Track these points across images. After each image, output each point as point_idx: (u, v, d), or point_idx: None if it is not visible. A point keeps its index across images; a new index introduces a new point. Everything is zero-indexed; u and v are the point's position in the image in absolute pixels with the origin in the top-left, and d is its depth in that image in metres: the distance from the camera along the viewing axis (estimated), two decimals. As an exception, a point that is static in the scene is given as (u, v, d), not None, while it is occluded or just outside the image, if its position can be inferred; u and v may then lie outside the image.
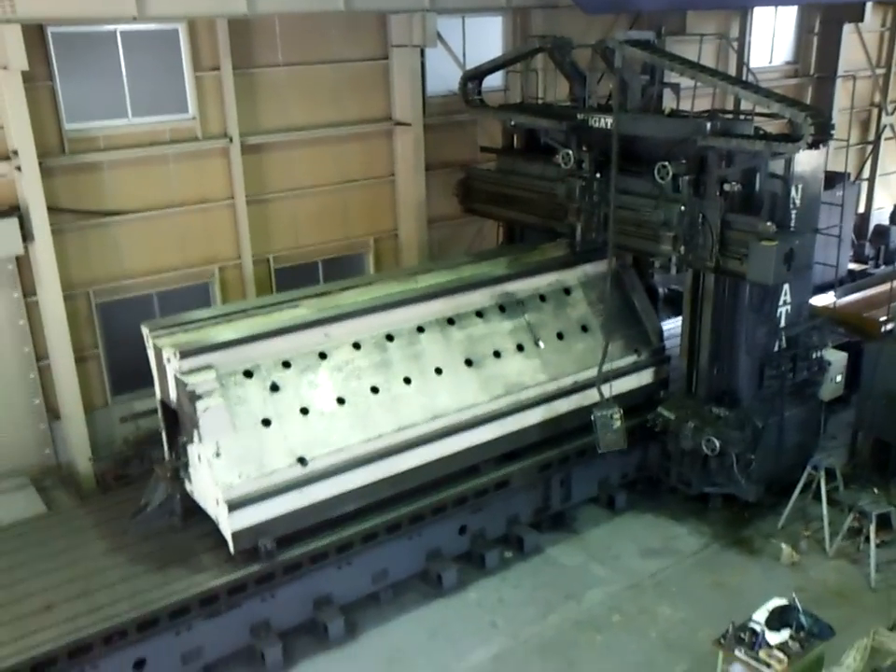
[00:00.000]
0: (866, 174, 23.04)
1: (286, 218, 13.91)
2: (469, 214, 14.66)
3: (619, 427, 10.90)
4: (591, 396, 11.26)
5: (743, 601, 9.76)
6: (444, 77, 14.83)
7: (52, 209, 11.41)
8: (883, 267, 20.31)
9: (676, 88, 11.80)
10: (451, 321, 11.05)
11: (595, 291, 12.16)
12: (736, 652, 8.22)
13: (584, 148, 11.73)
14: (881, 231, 21.08)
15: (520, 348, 11.33)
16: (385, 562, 10.26)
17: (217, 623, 9.14)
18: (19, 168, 11.01)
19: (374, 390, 10.17)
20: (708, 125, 10.44)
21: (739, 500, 11.76)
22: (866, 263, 20.42)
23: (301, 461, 9.42)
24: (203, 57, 12.59)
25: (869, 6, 19.04)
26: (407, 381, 10.40)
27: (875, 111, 22.61)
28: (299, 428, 9.60)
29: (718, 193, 10.48)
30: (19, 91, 10.68)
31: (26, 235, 11.16)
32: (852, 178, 20.94)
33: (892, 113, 22.71)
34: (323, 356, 10.07)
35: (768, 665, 8.02)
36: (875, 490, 11.39)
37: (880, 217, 22.46)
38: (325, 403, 9.85)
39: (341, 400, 9.93)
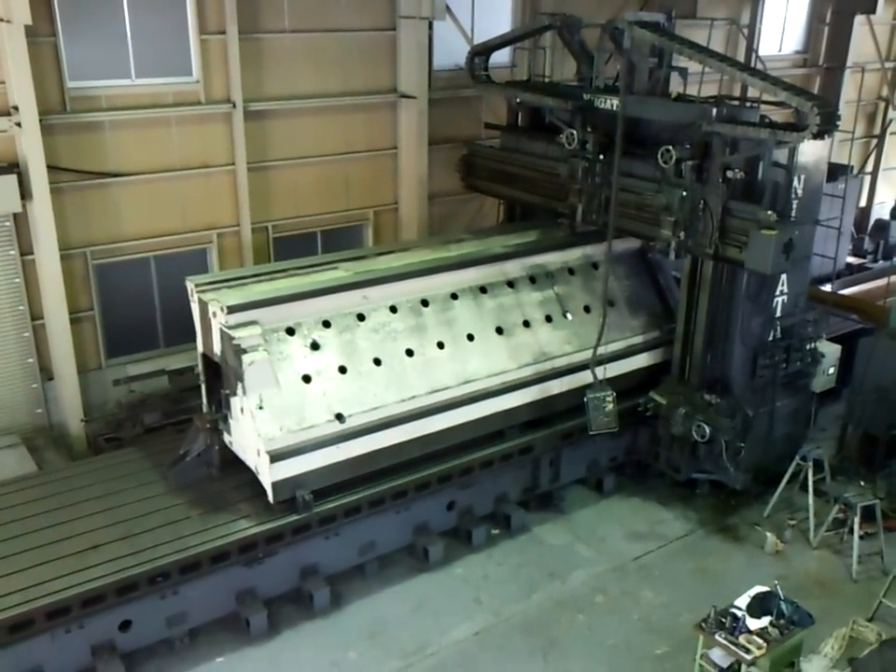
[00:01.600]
0: (869, 167, 23.00)
1: (286, 187, 13.84)
2: (471, 191, 14.61)
3: (611, 410, 10.94)
4: (614, 368, 11.43)
5: (726, 587, 9.87)
6: (451, 50, 14.72)
7: (52, 168, 11.36)
8: (881, 262, 20.32)
9: (683, 72, 11.70)
10: (483, 290, 11.35)
11: (623, 267, 12.37)
12: (717, 636, 8.30)
13: (589, 129, 11.66)
14: (881, 226, 21.05)
15: (548, 319, 11.64)
16: (372, 534, 10.31)
17: (202, 588, 9.18)
18: (19, 124, 10.93)
19: (409, 353, 10.51)
20: (714, 111, 10.38)
21: (726, 488, 11.84)
22: (865, 257, 20.40)
23: (339, 417, 9.74)
24: (209, 20, 12.46)
25: (882, -2, 18.91)
26: (440, 345, 10.75)
27: (882, 105, 22.52)
28: (337, 386, 9.91)
29: (720, 180, 10.44)
30: (21, 46, 10.60)
31: (24, 193, 11.11)
32: (855, 171, 20.88)
33: (899, 107, 22.62)
34: (361, 317, 10.41)
35: (747, 651, 8.11)
36: (862, 483, 11.50)
37: (881, 211, 22.43)
38: (362, 363, 10.17)
39: (377, 361, 10.26)
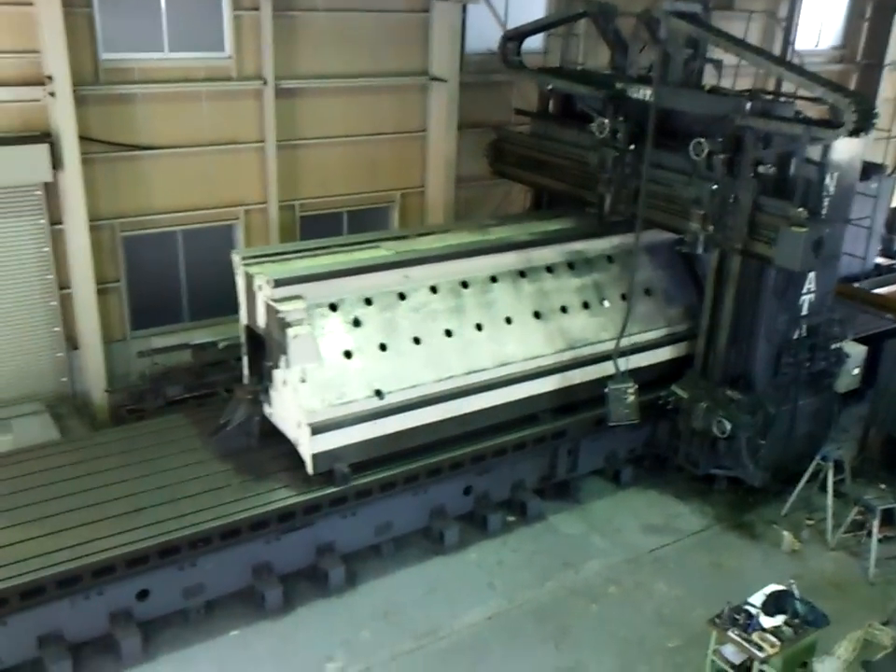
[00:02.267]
0: (903, 167, 22.70)
1: (314, 166, 13.83)
2: (499, 176, 14.55)
3: (632, 402, 10.91)
4: (648, 357, 11.70)
5: (740, 584, 9.83)
6: (484, 35, 14.60)
7: (83, 138, 11.40)
8: (910, 264, 20.08)
9: (718, 64, 11.60)
10: (522, 274, 11.44)
11: (661, 257, 12.37)
12: (730, 633, 8.30)
13: (620, 118, 11.54)
14: (912, 227, 20.79)
15: (586, 306, 11.73)
16: (389, 515, 10.37)
17: (220, 561, 9.27)
18: (52, 94, 10.97)
19: (448, 333, 10.63)
20: (748, 105, 10.27)
21: (745, 485, 11.78)
22: (895, 259, 20.19)
23: (378, 393, 9.87)
24: (244, -4, 12.46)
25: (924, -5, 18.62)
26: (478, 327, 10.86)
27: (919, 104, 22.19)
28: (377, 363, 10.08)
29: (752, 175, 10.33)
30: (57, 16, 10.63)
31: (56, 163, 11.15)
32: (889, 171, 20.63)
33: (936, 107, 22.28)
34: (402, 296, 10.52)
35: (760, 648, 8.11)
36: (882, 486, 11.37)
37: (913, 212, 22.13)
38: (402, 341, 10.30)
39: (416, 340, 10.40)
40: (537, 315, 11.32)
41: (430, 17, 14.18)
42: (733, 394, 11.11)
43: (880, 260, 19.25)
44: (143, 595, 8.98)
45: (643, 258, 12.22)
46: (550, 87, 13.26)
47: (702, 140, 10.53)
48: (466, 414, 10.53)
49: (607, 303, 11.84)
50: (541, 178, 13.50)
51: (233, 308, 13.72)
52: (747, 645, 8.19)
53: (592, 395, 11.34)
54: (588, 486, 12.17)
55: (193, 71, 12.41)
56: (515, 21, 14.13)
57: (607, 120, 11.64)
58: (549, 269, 11.67)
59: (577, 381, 11.35)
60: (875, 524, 10.58)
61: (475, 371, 10.59)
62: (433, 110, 14.61)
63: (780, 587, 8.63)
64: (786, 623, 8.37)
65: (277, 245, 11.17)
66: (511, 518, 11.38)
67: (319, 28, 13.26)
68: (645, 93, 11.16)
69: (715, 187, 10.44)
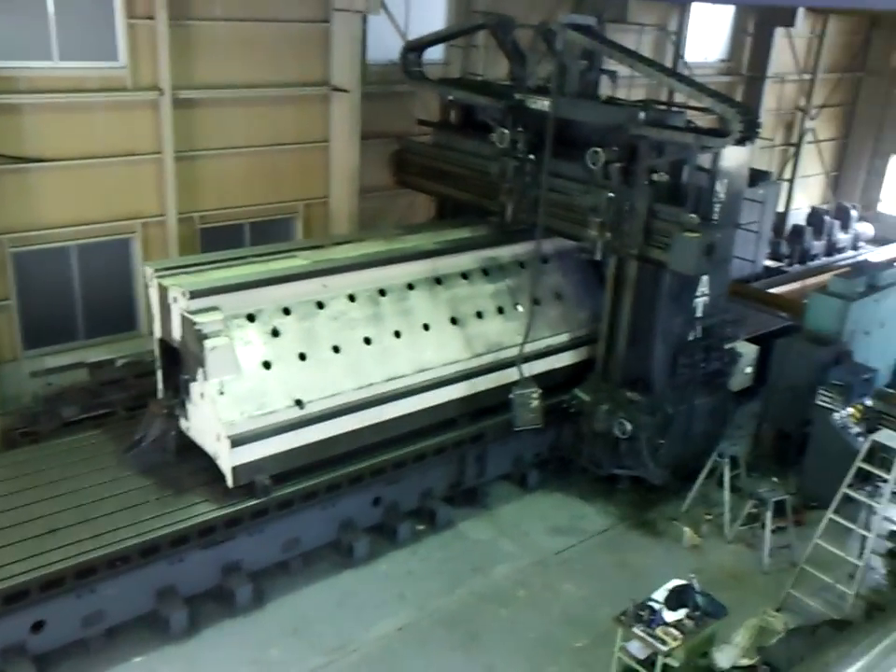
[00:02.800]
0: (787, 174, 23.81)
1: (214, 177, 13.60)
2: (402, 186, 14.60)
3: (536, 406, 11.10)
4: (558, 360, 12.09)
5: (644, 581, 10.07)
6: (385, 45, 14.63)
7: (-34, 151, 10.96)
8: (797, 266, 21.09)
9: (613, 75, 11.95)
10: (438, 281, 11.61)
11: (571, 262, 12.62)
12: (635, 629, 8.51)
13: (520, 129, 11.75)
14: (798, 231, 21.86)
15: (500, 311, 11.95)
16: (297, 530, 10.25)
17: (121, 585, 8.98)
18: (-69, 104, 10.52)
19: (367, 341, 10.70)
20: (642, 114, 10.59)
21: (646, 483, 12.10)
22: (782, 261, 21.16)
23: (299, 403, 9.85)
24: (138, 4, 12.13)
25: (801, 12, 19.57)
26: (397, 334, 10.95)
27: (800, 115, 23.34)
28: (297, 373, 10.04)
29: (646, 182, 10.67)
30: (-66, 23, 10.19)
31: (-63, 176, 10.70)
32: (774, 178, 21.61)
33: (815, 118, 23.48)
34: (321, 305, 10.53)
35: (663, 642, 8.34)
36: (775, 479, 11.88)
37: (798, 217, 23.26)
38: (321, 350, 10.30)
39: (336, 349, 10.42)
40: (453, 320, 11.49)
41: (331, 27, 14.16)
42: (633, 395, 11.43)
43: (769, 263, 20.17)
44: (38, 626, 8.59)
45: (555, 263, 12.57)
46: (451, 97, 13.39)
47: (598, 149, 10.82)
48: (386, 421, 10.60)
49: (520, 308, 12.07)
50: (444, 188, 13.62)
51: (132, 324, 13.51)
52: (651, 640, 8.41)
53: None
54: (496, 491, 12.30)
55: (86, 81, 12.05)
56: (416, 32, 14.23)
57: (507, 131, 11.83)
58: (464, 275, 11.87)
59: (494, 384, 11.50)
60: (769, 516, 11.03)
61: (395, 378, 10.68)
62: (335, 120, 14.56)
63: (682, 582, 8.89)
64: (687, 616, 8.62)
65: (191, 257, 11.12)
66: (420, 527, 11.40)
67: (218, 37, 13.07)
68: (543, 104, 11.39)
69: (611, 195, 10.73)
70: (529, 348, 11.53)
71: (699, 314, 11.52)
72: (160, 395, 10.62)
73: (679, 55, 19.56)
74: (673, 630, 8.45)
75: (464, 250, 11.98)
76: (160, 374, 10.60)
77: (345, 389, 10.26)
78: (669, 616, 8.59)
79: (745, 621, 9.64)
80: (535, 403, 11.09)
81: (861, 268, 14.93)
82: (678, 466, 12.00)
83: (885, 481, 9.81)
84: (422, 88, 14.32)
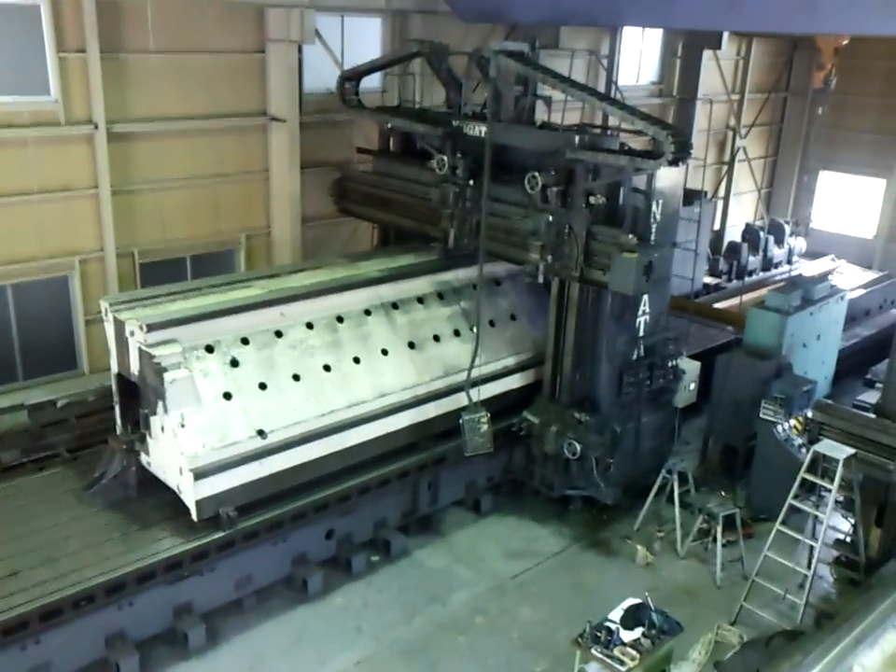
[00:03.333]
0: (721, 192, 24.42)
1: (153, 211, 13.45)
2: (344, 214, 14.62)
3: (486, 431, 11.12)
4: (515, 381, 12.20)
5: (600, 601, 10.12)
6: (322, 74, 14.70)
7: None
8: (735, 281, 21.57)
9: (548, 100, 12.13)
10: (395, 306, 11.72)
11: (522, 282, 12.61)
12: (593, 651, 8.52)
13: (459, 155, 11.87)
14: (734, 248, 22.37)
15: (457, 333, 12.04)
16: (249, 567, 10.06)
17: (68, 634, 8.70)
18: None
19: (327, 368, 10.70)
20: (577, 138, 10.76)
21: (598, 503, 12.18)
22: (720, 277, 21.62)
23: (261, 433, 9.81)
24: (68, 37, 12.02)
25: (726, 35, 20.15)
26: (356, 360, 11.00)
27: (731, 134, 23.99)
28: (258, 402, 10.00)
29: (584, 205, 10.82)
30: None
31: None
32: (709, 196, 22.13)
33: (745, 137, 24.16)
34: (279, 334, 10.52)
35: (622, 662, 8.35)
36: (723, 493, 12.06)
37: (734, 233, 23.82)
38: (281, 379, 10.28)
39: (296, 377, 10.40)
40: (411, 345, 11.56)
41: (266, 57, 14.15)
42: (580, 416, 11.51)
43: (708, 280, 20.59)
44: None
45: (507, 285, 12.71)
46: (389, 125, 13.46)
47: (536, 174, 10.96)
48: (349, 448, 10.59)
49: (475, 330, 12.10)
50: (386, 215, 13.65)
51: (72, 363, 13.20)
52: (609, 661, 8.40)
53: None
54: (450, 518, 12.26)
55: (16, 115, 11.85)
56: (352, 61, 14.30)
57: (446, 157, 11.94)
58: (420, 300, 11.98)
59: (453, 407, 11.51)
60: (719, 530, 11.18)
61: (356, 404, 10.70)
62: (274, 150, 14.53)
63: (637, 601, 8.94)
64: (644, 634, 8.66)
65: (146, 290, 11.12)
66: (375, 558, 11.29)
67: (152, 70, 12.98)
68: (480, 130, 11.52)
69: (550, 218, 10.87)
70: (487, 370, 11.70)
71: (641, 332, 11.68)
72: (118, 430, 10.48)
73: (611, 79, 19.97)
74: (630, 650, 8.47)
75: (418, 275, 12.14)
76: (117, 409, 10.46)
77: (307, 417, 10.24)
78: (626, 636, 8.62)
79: (700, 636, 9.74)
80: (484, 428, 11.11)
81: (796, 282, 15.35)
82: (628, 484, 12.11)
83: (828, 490, 10.02)
84: (360, 116, 14.39)
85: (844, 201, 25.56)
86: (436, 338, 11.86)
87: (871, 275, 21.64)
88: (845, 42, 21.22)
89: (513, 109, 11.71)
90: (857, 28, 12.18)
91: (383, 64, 14.15)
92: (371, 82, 14.80)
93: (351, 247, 15.51)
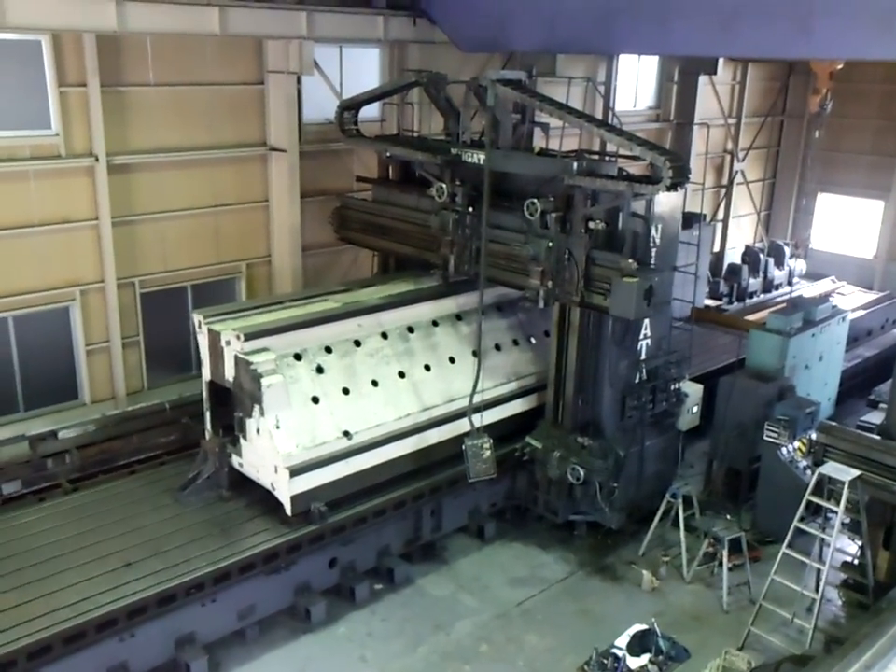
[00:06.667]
0: (720, 215, 24.50)
1: (154, 241, 13.50)
2: (344, 242, 14.68)
3: (489, 457, 11.08)
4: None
5: (606, 627, 10.05)
6: (321, 104, 14.82)
7: None
8: (736, 303, 21.58)
9: (545, 127, 12.22)
10: (458, 317, 12.51)
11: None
12: (599, 678, 8.45)
13: (458, 182, 11.95)
14: (734, 270, 22.39)
15: (515, 343, 12.81)
16: (251, 597, 9.98)
17: (67, 667, 8.60)
18: None
19: (401, 375, 11.53)
20: (575, 165, 10.80)
21: (603, 528, 12.12)
22: (721, 300, 21.63)
23: (347, 434, 10.59)
24: (69, 72, 12.13)
25: (721, 60, 20.33)
26: (427, 367, 11.81)
27: (728, 157, 24.12)
28: (342, 406, 10.81)
29: (583, 230, 10.86)
30: None
31: None
32: (708, 219, 22.20)
33: (743, 160, 24.30)
34: (358, 343, 11.36)
35: (629, 690, 8.29)
36: (728, 516, 11.99)
37: (733, 256, 23.87)
38: (362, 385, 11.12)
39: (374, 383, 11.23)
40: (475, 353, 11.96)
41: (265, 89, 14.28)
42: (584, 440, 11.49)
43: (708, 302, 20.60)
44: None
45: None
46: (388, 154, 13.53)
47: (535, 200, 11.01)
48: (424, 448, 11.31)
49: (534, 340, 12.98)
50: (386, 243, 13.70)
51: (73, 393, 13.20)
52: (616, 688, 8.36)
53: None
54: (454, 545, 12.19)
55: (17, 149, 11.93)
56: (350, 91, 14.42)
57: (445, 185, 12.02)
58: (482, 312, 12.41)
59: (513, 412, 12.25)
60: (725, 554, 11.09)
61: (428, 408, 11.45)
62: (274, 180, 14.62)
63: (643, 627, 8.89)
64: (651, 661, 8.64)
65: (231, 304, 12.18)
66: (378, 586, 11.21)
67: (152, 103, 13.08)
68: (479, 157, 11.58)
69: (550, 244, 10.90)
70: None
71: (643, 356, 11.68)
72: (208, 434, 11.25)
73: (608, 105, 20.11)
74: (637, 676, 8.41)
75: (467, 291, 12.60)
76: (208, 415, 11.24)
77: (386, 420, 11.05)
78: (633, 662, 8.59)
79: (708, 662, 9.61)
80: (487, 454, 11.07)
81: (797, 304, 15.34)
82: (632, 508, 12.04)
83: (834, 512, 9.96)
84: (359, 145, 14.47)
85: (843, 222, 25.62)
86: (497, 347, 12.56)
87: (872, 296, 21.65)
88: (840, 66, 21.38)
89: (511, 137, 11.79)
90: (852, 53, 12.26)
91: (381, 94, 14.26)
92: (370, 112, 14.94)
93: (352, 275, 15.54)
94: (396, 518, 11.25)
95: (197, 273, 14.12)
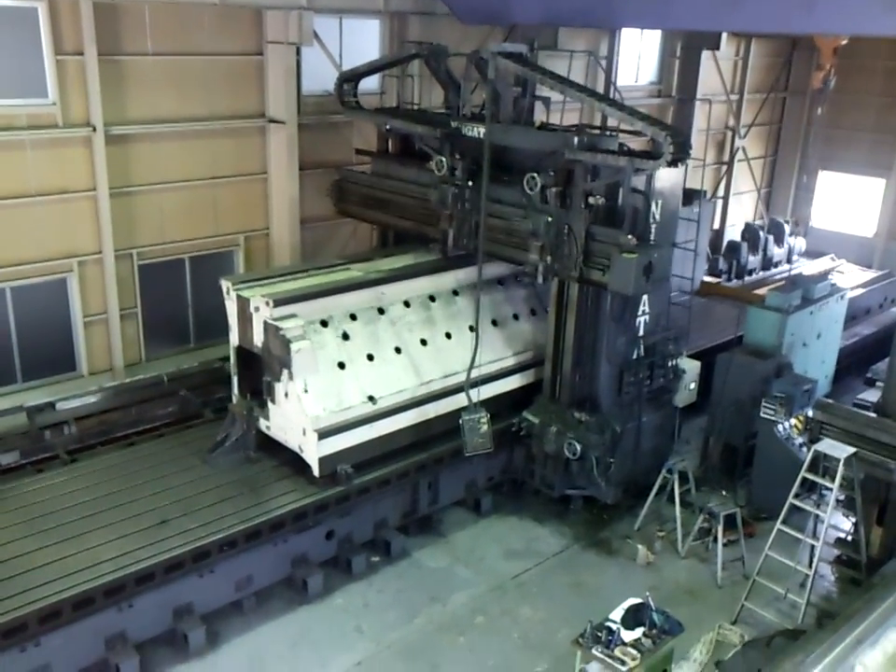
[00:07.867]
0: (721, 192, 24.40)
1: (152, 213, 13.43)
2: (343, 216, 14.60)
3: (486, 431, 11.11)
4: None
5: (601, 601, 10.12)
6: (321, 76, 14.67)
7: None
8: (735, 280, 21.55)
9: (546, 101, 12.12)
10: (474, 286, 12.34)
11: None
12: (594, 651, 8.50)
13: (458, 156, 11.86)
14: (734, 247, 22.33)
15: (533, 313, 13.10)
16: (249, 568, 10.05)
17: (68, 635, 8.68)
18: None
19: (423, 342, 11.83)
20: (576, 139, 10.73)
21: (599, 502, 12.19)
22: (720, 277, 21.59)
23: (371, 399, 10.95)
24: (66, 40, 11.99)
25: (724, 35, 20.13)
26: (448, 335, 12.11)
27: (730, 134, 23.97)
28: (366, 372, 11.14)
29: (583, 206, 10.81)
30: None
31: None
32: (708, 196, 22.11)
33: (744, 137, 24.15)
34: (381, 311, 11.66)
35: (622, 662, 8.33)
36: (724, 492, 12.04)
37: (733, 233, 23.80)
38: (386, 351, 11.43)
39: (398, 349, 11.55)
40: (494, 322, 12.54)
41: (264, 60, 14.13)
42: (581, 416, 11.51)
43: (707, 279, 20.55)
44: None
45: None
46: (388, 127, 13.43)
47: (535, 174, 10.95)
48: (445, 414, 11.51)
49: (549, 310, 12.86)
50: (385, 216, 13.63)
51: (71, 365, 13.20)
52: (609, 661, 8.38)
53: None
54: (450, 518, 12.26)
55: (14, 118, 11.82)
56: (350, 63, 14.27)
57: (445, 158, 11.94)
58: (500, 281, 12.93)
59: (532, 379, 12.50)
60: (720, 529, 11.17)
61: (449, 375, 11.72)
62: (273, 152, 14.51)
63: (637, 600, 8.92)
64: (644, 634, 8.63)
65: (256, 272, 12.58)
66: (375, 558, 11.29)
67: (150, 72, 12.95)
68: (479, 131, 11.50)
69: (549, 219, 10.86)
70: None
71: (641, 332, 11.68)
72: (235, 398, 11.60)
73: (609, 80, 19.96)
74: (631, 650, 8.44)
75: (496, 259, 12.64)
76: (235, 379, 11.57)
77: (409, 386, 11.36)
78: (627, 635, 8.59)
79: (702, 636, 9.72)
80: (484, 428, 11.10)
81: (796, 281, 15.32)
82: (628, 483, 12.11)
83: (829, 489, 10.01)
84: (359, 118, 14.36)
85: (843, 200, 25.53)
86: (515, 316, 12.89)
87: (871, 274, 21.63)
88: (843, 42, 21.19)
89: (512, 110, 11.70)
90: (856, 28, 12.17)
91: (381, 66, 14.14)
92: (370, 84, 14.81)
93: (350, 248, 15.50)
94: (394, 491, 11.31)
95: (195, 245, 14.06)
